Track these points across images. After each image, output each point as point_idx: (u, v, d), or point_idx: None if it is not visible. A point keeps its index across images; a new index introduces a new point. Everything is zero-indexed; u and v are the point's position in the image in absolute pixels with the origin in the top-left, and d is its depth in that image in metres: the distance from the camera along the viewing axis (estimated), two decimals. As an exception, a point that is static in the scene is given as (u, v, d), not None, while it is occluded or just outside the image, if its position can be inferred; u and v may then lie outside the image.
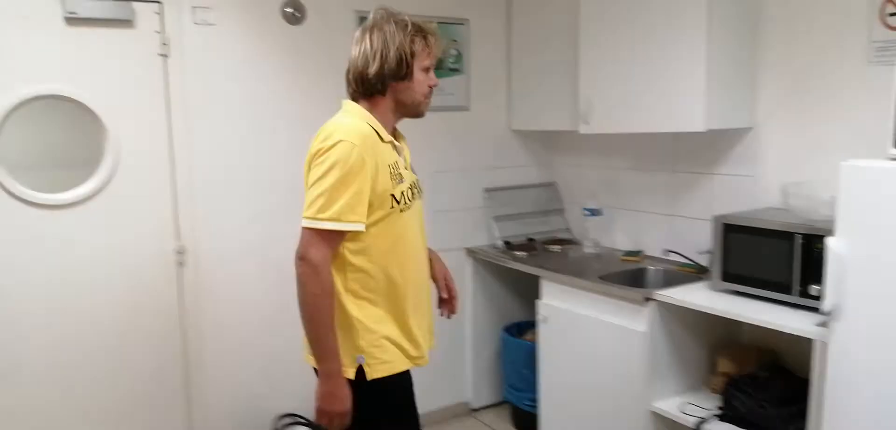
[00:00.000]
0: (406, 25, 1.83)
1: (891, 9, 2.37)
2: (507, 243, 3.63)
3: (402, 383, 1.93)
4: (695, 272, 2.94)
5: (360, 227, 1.74)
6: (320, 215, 1.70)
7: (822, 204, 2.27)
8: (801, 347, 2.29)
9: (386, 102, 1.86)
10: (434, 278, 2.12)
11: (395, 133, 1.93)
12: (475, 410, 3.80)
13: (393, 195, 1.80)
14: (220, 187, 3.00)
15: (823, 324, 2.10)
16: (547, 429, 3.21)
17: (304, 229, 1.73)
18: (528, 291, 3.45)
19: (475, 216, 3.68)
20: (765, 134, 2.81)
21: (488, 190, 3.69)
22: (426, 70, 1.86)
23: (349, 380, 1.81)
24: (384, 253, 1.82)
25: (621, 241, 3.50)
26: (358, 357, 1.83)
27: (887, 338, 1.89)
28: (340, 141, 1.71)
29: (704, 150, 3.05)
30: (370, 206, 1.76)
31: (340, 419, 1.78)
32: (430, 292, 2.01)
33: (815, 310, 2.22)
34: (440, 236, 3.55)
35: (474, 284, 3.69)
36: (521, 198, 3.80)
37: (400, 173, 1.83)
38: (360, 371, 1.83)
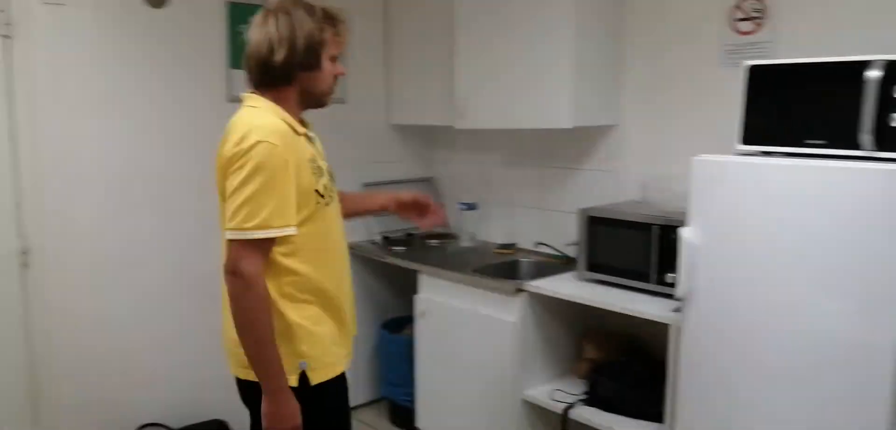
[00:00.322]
0: (314, 11, 1.71)
1: (739, 15, 2.56)
2: (385, 239, 3.60)
3: (341, 384, 1.84)
4: (563, 263, 3.05)
5: (292, 230, 1.64)
6: (246, 225, 1.58)
7: (677, 197, 2.41)
8: (659, 331, 2.42)
9: (291, 92, 1.73)
10: (385, 207, 2.12)
11: (303, 123, 1.81)
12: (353, 408, 3.73)
13: (317, 190, 1.71)
14: (73, 182, 2.77)
15: (677, 309, 2.24)
16: (423, 421, 3.23)
17: (230, 241, 1.61)
18: (406, 286, 3.44)
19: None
20: (627, 131, 2.96)
21: (367, 185, 3.64)
22: (333, 59, 1.76)
23: (292, 388, 1.69)
24: (316, 252, 1.73)
25: (496, 234, 3.57)
26: (300, 363, 1.72)
27: (732, 321, 2.03)
28: (259, 142, 1.58)
29: (572, 146, 3.17)
30: (300, 204, 1.67)
31: (288, 425, 1.66)
32: (351, 283, 1.92)
33: (670, 296, 2.36)
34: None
35: (354, 279, 3.62)
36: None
37: (318, 166, 1.75)
38: (303, 377, 1.73)
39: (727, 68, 2.59)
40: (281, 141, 1.61)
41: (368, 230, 3.64)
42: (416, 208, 2.12)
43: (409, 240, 3.60)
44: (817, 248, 1.84)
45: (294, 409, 1.67)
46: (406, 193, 2.13)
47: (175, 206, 3.02)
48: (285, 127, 1.67)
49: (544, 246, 3.25)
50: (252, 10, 3.12)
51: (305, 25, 1.69)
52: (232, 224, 1.60)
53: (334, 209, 1.82)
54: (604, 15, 2.87)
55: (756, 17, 2.51)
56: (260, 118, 1.64)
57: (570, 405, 2.62)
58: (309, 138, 1.78)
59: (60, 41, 2.70)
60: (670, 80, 2.79)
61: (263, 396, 1.65)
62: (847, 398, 1.81)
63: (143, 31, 2.90)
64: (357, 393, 3.72)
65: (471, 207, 3.55)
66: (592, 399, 2.63)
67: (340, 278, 1.83)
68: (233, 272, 1.61)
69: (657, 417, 2.42)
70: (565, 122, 2.81)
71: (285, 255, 1.68)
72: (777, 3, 2.45)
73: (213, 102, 3.10)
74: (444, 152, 3.88)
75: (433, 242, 3.58)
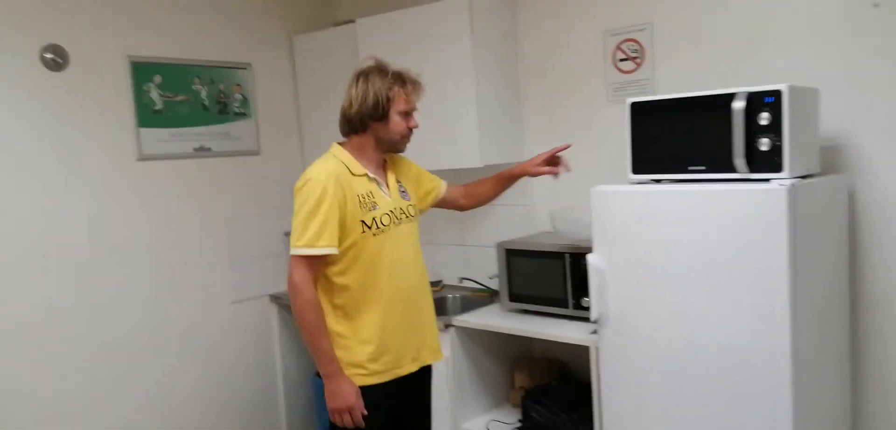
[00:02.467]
0: (386, 73, 2.12)
1: (621, 55, 2.77)
2: (313, 289, 3.64)
3: (372, 396, 2.10)
4: (488, 296, 3.18)
5: (330, 250, 2.02)
6: (296, 244, 2.01)
7: (583, 226, 2.59)
8: (582, 354, 2.58)
9: (367, 139, 2.14)
10: (527, 171, 2.49)
11: (384, 164, 2.21)
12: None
13: (363, 221, 2.06)
14: None
15: (594, 332, 2.40)
16: (367, 468, 3.27)
17: (290, 256, 2.03)
18: (337, 334, 3.49)
19: (277, 262, 3.64)
20: (534, 165, 3.13)
21: (288, 234, 3.67)
22: (403, 114, 2.14)
23: None
24: (362, 273, 2.08)
25: (422, 273, 3.67)
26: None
27: (642, 338, 2.21)
28: (310, 180, 2.03)
29: (486, 183, 3.32)
30: (344, 231, 2.03)
31: (350, 412, 2.05)
32: (422, 310, 2.23)
33: (587, 319, 2.52)
34: (241, 284, 3.50)
35: (281, 332, 3.66)
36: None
37: (374, 201, 2.09)
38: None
39: (614, 105, 2.81)
40: (325, 178, 2.02)
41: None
42: (552, 162, 2.47)
43: (337, 288, 3.66)
44: (710, 264, 2.03)
45: (347, 389, 2.04)
46: (544, 153, 2.47)
47: (86, 267, 3.01)
48: (338, 167, 2.08)
49: (468, 281, 3.37)
50: (156, 68, 3.22)
51: (376, 85, 2.11)
52: (290, 243, 2.03)
53: (389, 239, 2.12)
54: (499, 62, 3.06)
55: (635, 57, 2.73)
56: (319, 163, 2.10)
57: (505, 433, 2.74)
58: (372, 178, 2.13)
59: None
60: (565, 117, 3.00)
61: (324, 381, 2.06)
62: (753, 398, 2.00)
63: (45, 95, 2.90)
64: (297, 446, 3.74)
65: (395, 249, 3.64)
66: (527, 426, 2.76)
67: (388, 299, 2.11)
68: (288, 281, 2.03)
69: (587, 435, 2.57)
70: (476, 161, 2.96)
71: (337, 273, 2.07)
72: (653, 44, 2.69)
73: (122, 162, 3.11)
74: (364, 198, 3.95)
75: (361, 287, 3.64)
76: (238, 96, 3.52)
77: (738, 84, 2.07)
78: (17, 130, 2.83)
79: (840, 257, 2.24)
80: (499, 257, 2.89)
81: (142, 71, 3.17)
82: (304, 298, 2.02)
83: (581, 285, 2.60)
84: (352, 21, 3.38)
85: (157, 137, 3.22)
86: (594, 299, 2.31)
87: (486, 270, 3.27)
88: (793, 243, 1.90)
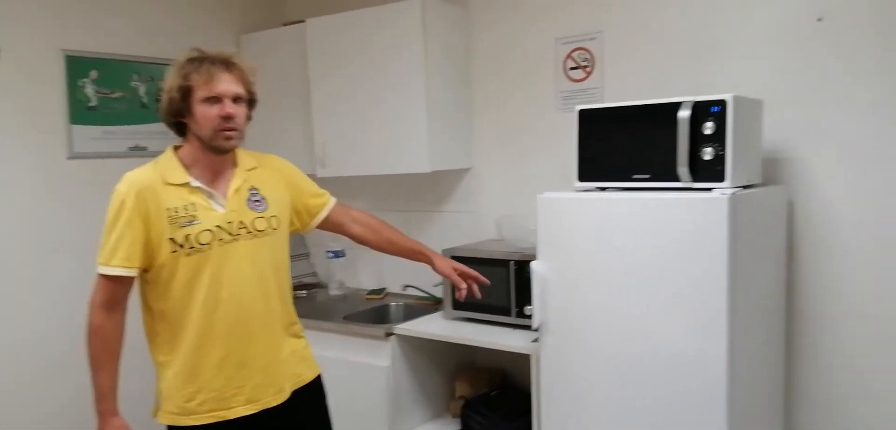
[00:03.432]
0: (179, 61, 1.81)
1: (571, 64, 2.78)
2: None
3: None
4: (432, 304, 3.12)
5: (124, 271, 1.77)
6: (98, 260, 1.78)
7: (528, 233, 2.56)
8: (524, 363, 2.54)
9: (192, 140, 1.84)
10: (442, 272, 2.20)
11: (229, 170, 1.88)
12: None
13: (172, 239, 1.77)
14: None
15: (536, 340, 2.36)
16: (301, 479, 3.16)
17: None
18: (275, 340, 3.38)
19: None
20: (481, 173, 3.11)
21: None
22: (207, 101, 1.77)
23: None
24: (177, 298, 1.80)
25: (366, 280, 3.60)
26: (158, 399, 1.87)
27: (583, 346, 2.18)
28: (114, 190, 1.79)
29: (432, 190, 3.28)
30: (152, 250, 1.78)
31: None
32: (258, 343, 1.87)
33: (530, 328, 2.48)
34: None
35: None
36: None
37: (192, 215, 1.78)
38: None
39: (563, 112, 2.80)
40: (128, 188, 1.77)
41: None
42: (468, 279, 2.21)
43: (277, 294, 3.55)
44: (652, 272, 2.02)
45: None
46: (458, 269, 2.21)
47: (12, 269, 2.85)
48: (149, 176, 1.80)
49: (412, 288, 3.31)
50: (92, 63, 3.08)
51: (171, 73, 1.81)
52: None
53: (209, 261, 1.80)
54: (451, 66, 3.02)
55: (585, 66, 2.74)
56: (135, 170, 1.82)
57: (444, 444, 2.68)
58: (196, 188, 1.82)
59: None
60: (516, 124, 2.98)
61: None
62: (690, 405, 1.99)
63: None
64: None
65: (338, 254, 3.56)
66: (465, 436, 2.71)
67: (208, 330, 1.81)
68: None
69: (527, 445, 2.53)
70: (424, 166, 2.92)
71: (154, 298, 1.82)
72: (603, 53, 2.69)
73: (52, 160, 2.96)
74: (309, 202, 3.86)
75: (302, 293, 3.55)
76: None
77: (686, 94, 2.07)
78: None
79: (778, 267, 2.26)
80: (443, 264, 2.84)
81: (77, 65, 3.02)
82: (90, 322, 1.79)
83: (525, 293, 2.56)
84: (301, 21, 3.31)
85: (90, 135, 3.07)
86: (536, 307, 2.27)
87: (431, 277, 3.21)
88: (733, 252, 1.90)
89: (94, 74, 3.08)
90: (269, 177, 1.98)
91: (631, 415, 2.10)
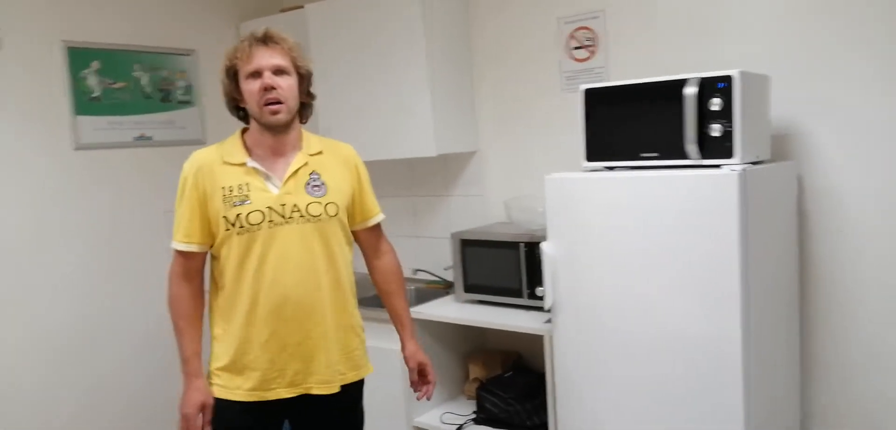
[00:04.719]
0: (230, 47, 1.88)
1: (574, 44, 2.76)
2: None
3: (228, 413, 1.87)
4: (443, 288, 3.14)
5: (186, 246, 1.85)
6: (173, 235, 1.88)
7: (537, 214, 2.57)
8: (536, 344, 2.56)
9: (252, 122, 1.88)
10: (406, 356, 2.17)
11: (291, 150, 1.89)
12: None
13: (225, 218, 1.82)
14: None
15: (549, 321, 2.38)
16: (319, 465, 3.20)
17: None
18: (288, 329, 3.41)
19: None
20: (487, 156, 3.11)
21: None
22: (251, 76, 1.81)
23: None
24: (231, 274, 1.85)
25: (375, 265, 3.60)
26: (209, 373, 1.91)
27: (596, 326, 2.20)
28: (182, 168, 1.88)
29: (439, 174, 3.28)
30: (212, 227, 1.85)
31: (185, 420, 1.84)
32: (308, 329, 1.86)
33: (541, 309, 2.50)
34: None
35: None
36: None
37: (245, 195, 1.82)
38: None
39: (568, 93, 2.79)
40: (188, 167, 1.87)
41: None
42: (424, 381, 2.18)
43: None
44: (661, 251, 2.03)
45: (193, 397, 1.84)
46: (421, 366, 2.17)
47: (19, 261, 2.86)
48: (209, 156, 1.87)
49: (423, 272, 3.32)
50: (94, 54, 3.08)
51: (224, 58, 1.88)
52: None
53: (260, 241, 1.82)
54: (454, 48, 3.01)
55: (589, 46, 2.72)
56: (201, 150, 1.91)
57: (460, 427, 2.71)
58: (252, 169, 1.85)
59: None
60: (520, 106, 2.97)
61: None
62: (706, 382, 2.00)
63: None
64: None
65: (348, 241, 3.57)
66: (481, 418, 2.73)
67: (255, 309, 1.84)
68: None
69: (543, 426, 2.56)
70: (431, 150, 2.91)
71: (217, 273, 1.89)
72: (606, 33, 2.67)
73: (58, 152, 2.97)
74: (316, 189, 3.87)
75: (313, 280, 3.56)
76: (182, 84, 3.39)
77: (691, 71, 2.06)
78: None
79: (789, 243, 2.26)
80: (453, 248, 2.85)
81: (79, 57, 3.02)
82: (168, 293, 1.89)
83: (536, 275, 2.58)
84: (300, 7, 3.30)
85: (95, 126, 3.08)
86: (548, 288, 2.28)
87: (441, 261, 3.23)
88: (743, 229, 1.90)
89: (95, 64, 3.07)
90: (336, 164, 1.96)
91: (645, 393, 2.12)
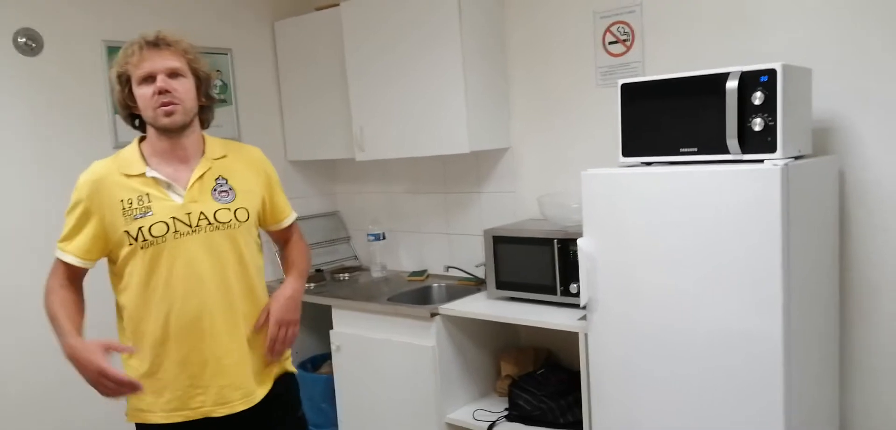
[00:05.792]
0: (120, 51, 1.80)
1: (610, 38, 2.74)
2: (294, 279, 3.57)
3: None
4: (474, 284, 3.13)
5: (74, 259, 1.78)
6: (57, 243, 1.81)
7: (571, 211, 2.55)
8: (570, 341, 2.54)
9: (149, 129, 1.81)
10: (269, 306, 1.93)
11: (194, 156, 1.83)
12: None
13: (127, 232, 1.75)
14: None
15: (583, 318, 2.36)
16: (350, 459, 3.22)
17: None
18: (320, 323, 3.43)
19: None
20: (521, 152, 3.09)
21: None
22: (144, 81, 1.74)
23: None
24: (136, 291, 1.77)
25: (407, 262, 3.62)
26: (128, 399, 1.82)
27: (633, 323, 2.17)
28: (78, 179, 1.81)
29: (471, 171, 3.28)
30: (109, 243, 1.78)
31: (100, 374, 1.65)
32: (220, 341, 1.79)
33: (576, 306, 2.48)
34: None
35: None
36: (305, 229, 3.74)
37: (146, 207, 1.74)
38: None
39: (603, 88, 2.77)
40: (85, 182, 1.79)
41: (276, 269, 3.60)
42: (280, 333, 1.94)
43: (319, 275, 3.59)
44: (702, 247, 2.00)
45: (84, 354, 1.66)
46: (273, 315, 1.91)
47: None
48: (104, 167, 1.80)
49: (455, 269, 3.32)
50: None
51: (112, 66, 1.82)
52: None
53: (173, 250, 1.74)
54: (488, 45, 3.00)
55: (625, 40, 2.69)
56: (99, 161, 1.83)
57: (493, 424, 2.70)
58: (152, 178, 1.77)
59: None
60: (553, 102, 2.95)
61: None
62: (745, 382, 1.97)
63: (18, 82, 2.82)
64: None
65: (379, 237, 3.59)
66: (513, 415, 2.72)
67: (166, 327, 1.76)
68: None
69: (577, 424, 2.53)
70: (463, 147, 2.91)
71: (118, 291, 1.82)
72: (643, 26, 2.65)
73: (98, 150, 2.97)
74: (347, 185, 3.90)
75: (343, 276, 3.59)
76: (218, 82, 3.44)
77: (729, 65, 2.03)
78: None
79: (830, 239, 2.22)
80: (486, 245, 2.85)
81: (117, 55, 3.08)
82: (49, 297, 1.76)
83: (569, 271, 2.57)
84: (336, 4, 3.32)
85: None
86: (584, 285, 2.27)
87: (472, 258, 3.23)
88: (786, 225, 1.87)
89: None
90: (242, 167, 1.90)
91: (683, 392, 2.09)
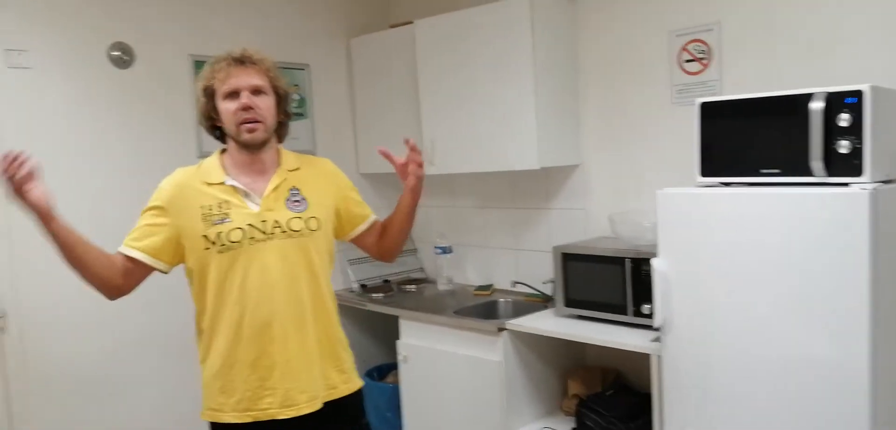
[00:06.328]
0: (206, 65, 1.88)
1: (686, 56, 2.71)
2: (363, 286, 3.65)
3: None
4: (541, 301, 3.13)
5: (146, 258, 1.83)
6: (125, 240, 1.86)
7: (645, 230, 2.53)
8: (640, 362, 2.51)
9: (230, 142, 1.88)
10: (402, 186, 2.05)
11: (269, 168, 1.89)
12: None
13: (205, 236, 1.81)
14: (46, 244, 2.76)
15: (656, 339, 2.33)
16: (415, 470, 3.25)
17: None
18: (387, 333, 3.49)
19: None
20: (591, 169, 3.09)
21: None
22: (229, 96, 1.82)
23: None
24: (213, 293, 1.83)
25: (473, 276, 3.65)
26: (203, 398, 1.90)
27: (709, 347, 2.13)
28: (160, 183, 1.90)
29: (540, 187, 3.29)
30: (186, 247, 1.83)
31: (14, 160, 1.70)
32: (290, 346, 1.84)
33: (648, 327, 2.45)
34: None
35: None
36: (374, 243, 3.84)
37: (224, 214, 1.81)
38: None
39: (678, 106, 2.74)
40: (166, 185, 1.88)
41: (346, 279, 3.68)
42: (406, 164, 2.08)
43: (386, 286, 3.65)
44: (782, 270, 1.96)
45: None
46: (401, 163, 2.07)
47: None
48: (192, 177, 1.88)
49: (521, 285, 3.33)
50: None
51: (198, 79, 1.90)
52: None
53: (248, 256, 1.81)
54: (560, 61, 3.02)
55: (701, 58, 2.66)
56: (182, 169, 1.92)
57: (560, 440, 2.69)
58: (231, 187, 1.85)
59: (28, 104, 2.76)
60: (625, 120, 2.94)
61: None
62: (828, 413, 1.91)
63: (112, 93, 2.98)
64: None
65: (446, 250, 3.63)
66: (581, 434, 2.70)
67: (238, 330, 1.82)
68: None
69: (645, 446, 2.50)
70: (533, 163, 2.93)
71: (195, 294, 1.88)
72: (720, 44, 2.61)
73: (184, 160, 3.10)
74: (415, 200, 3.95)
75: (410, 287, 3.64)
76: (296, 97, 3.55)
77: (808, 86, 1.99)
78: (84, 124, 2.91)
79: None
80: (555, 261, 2.84)
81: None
82: None
83: (641, 292, 2.54)
84: (409, 22, 3.39)
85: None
86: (658, 306, 2.24)
87: (539, 274, 3.23)
88: (874, 251, 1.82)
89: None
90: (314, 178, 1.97)
91: (761, 418, 2.04)
